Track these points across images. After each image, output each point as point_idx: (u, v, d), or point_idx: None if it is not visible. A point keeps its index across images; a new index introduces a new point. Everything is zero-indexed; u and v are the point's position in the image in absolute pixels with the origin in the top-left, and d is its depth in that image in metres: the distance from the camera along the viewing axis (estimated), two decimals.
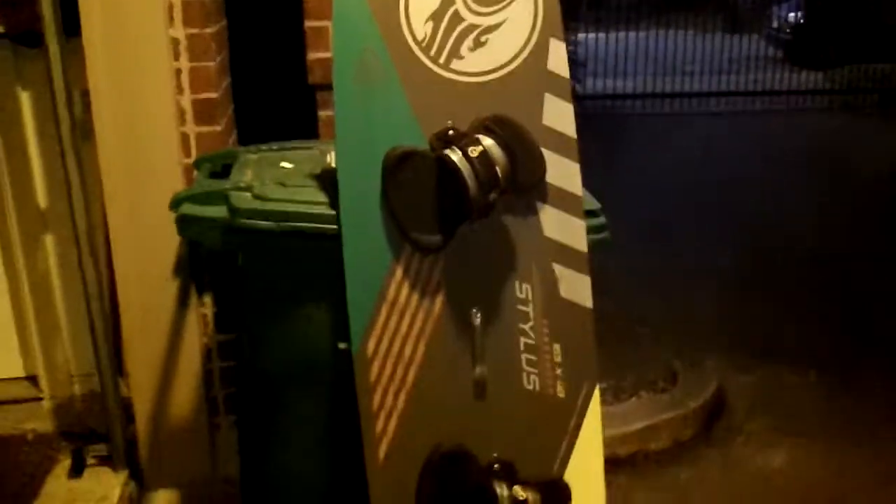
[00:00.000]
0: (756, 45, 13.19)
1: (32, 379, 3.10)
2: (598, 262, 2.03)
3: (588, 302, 2.01)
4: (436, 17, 1.87)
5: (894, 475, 3.21)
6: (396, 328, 1.90)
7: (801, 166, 7.88)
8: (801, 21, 14.72)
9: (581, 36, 11.43)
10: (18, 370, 3.13)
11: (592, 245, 2.01)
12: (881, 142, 8.90)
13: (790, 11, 14.99)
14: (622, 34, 11.94)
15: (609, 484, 3.02)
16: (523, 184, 1.88)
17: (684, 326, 4.31)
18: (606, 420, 3.28)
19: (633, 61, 11.46)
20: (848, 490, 3.14)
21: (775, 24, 15.32)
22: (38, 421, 3.03)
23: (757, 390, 3.86)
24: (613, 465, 3.24)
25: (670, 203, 6.55)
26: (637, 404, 3.55)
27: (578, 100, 10.36)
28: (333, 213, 1.90)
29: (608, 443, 3.21)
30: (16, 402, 3.09)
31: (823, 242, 5.70)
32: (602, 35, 12.03)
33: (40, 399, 3.07)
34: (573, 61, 10.66)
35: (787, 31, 14.89)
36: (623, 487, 3.13)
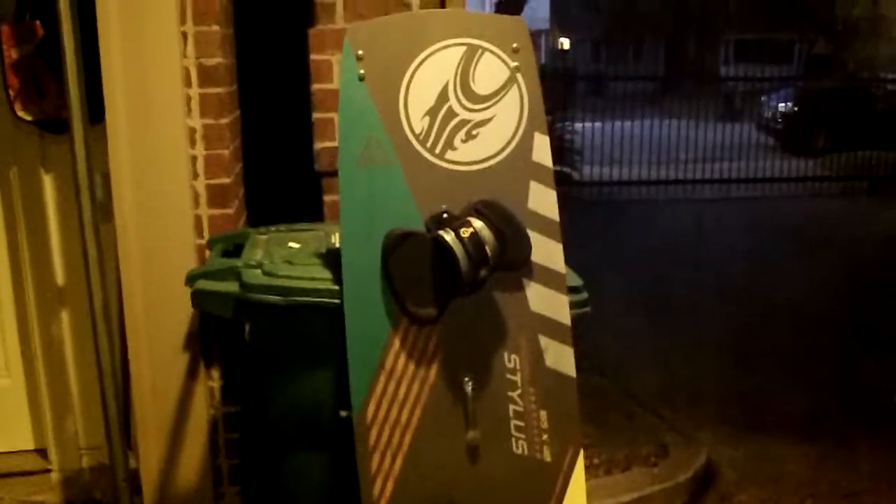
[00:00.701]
0: (749, 134, 13.54)
1: (42, 452, 3.20)
2: (595, 340, 2.17)
3: (572, 371, 2.15)
4: (432, 112, 2.07)
5: None
6: (394, 395, 2.05)
7: (794, 247, 8.08)
8: (792, 110, 15.10)
9: (578, 125, 11.73)
10: (29, 443, 3.23)
11: (576, 318, 2.16)
12: (871, 224, 9.11)
13: (780, 101, 15.39)
14: (619, 123, 12.26)
15: None
16: (511, 262, 2.05)
17: (677, 401, 4.42)
18: (597, 492, 3.42)
19: (630, 149, 11.75)
20: None
21: (767, 114, 15.70)
22: (47, 493, 3.11)
23: (746, 462, 3.95)
24: None
25: (665, 283, 6.70)
26: (628, 477, 3.64)
27: (575, 186, 10.67)
28: (337, 288, 2.05)
29: None
30: (25, 474, 3.17)
31: (811, 317, 5.84)
32: (599, 124, 12.33)
33: (49, 471, 3.15)
34: (570, 149, 10.96)
35: (779, 119, 15.27)
36: None
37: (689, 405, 4.40)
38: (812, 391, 4.64)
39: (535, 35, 25.56)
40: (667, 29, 27.56)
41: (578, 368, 2.20)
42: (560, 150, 10.71)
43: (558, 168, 10.47)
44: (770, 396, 4.60)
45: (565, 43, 29.02)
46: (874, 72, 18.64)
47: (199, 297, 2.25)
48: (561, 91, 12.05)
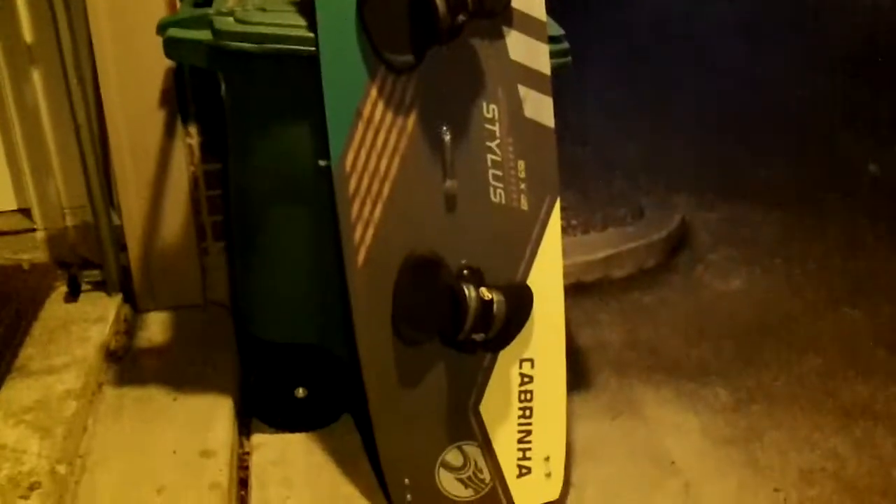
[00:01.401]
0: None
1: (26, 212, 3.20)
2: (576, 111, 2.14)
3: (550, 122, 2.15)
4: None
5: (840, 297, 3.43)
6: (372, 144, 2.05)
7: (786, 17, 7.82)
8: None
9: None
10: (11, 203, 3.24)
11: (555, 68, 2.14)
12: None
13: None
14: None
15: (575, 306, 3.29)
16: (490, 8, 1.99)
17: (656, 170, 4.46)
18: (574, 249, 3.52)
19: None
20: (798, 309, 3.36)
21: None
22: (33, 251, 3.14)
23: (721, 225, 4.04)
24: (579, 290, 3.45)
25: (649, 56, 6.54)
26: (604, 237, 3.73)
27: None
28: (312, 35, 2.01)
29: (573, 270, 3.46)
30: (10, 233, 3.19)
31: (796, 90, 5.77)
32: None
33: (34, 230, 3.17)
34: None
35: None
36: (588, 309, 3.34)
37: (668, 174, 4.43)
38: (790, 161, 4.67)
39: None
40: None
41: (560, 138, 2.20)
42: None
43: None
44: (747, 166, 4.62)
45: None
46: None
47: (171, 46, 2.20)
48: None
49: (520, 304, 2.12)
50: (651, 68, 6.22)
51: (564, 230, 3.34)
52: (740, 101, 5.60)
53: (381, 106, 2.03)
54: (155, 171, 2.87)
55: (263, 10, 2.11)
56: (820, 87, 5.80)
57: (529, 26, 2.09)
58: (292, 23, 2.06)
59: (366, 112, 2.02)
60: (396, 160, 2.07)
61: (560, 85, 2.20)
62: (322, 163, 2.08)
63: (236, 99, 2.28)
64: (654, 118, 5.25)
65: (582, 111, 4.78)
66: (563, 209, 2.32)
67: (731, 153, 4.80)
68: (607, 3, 7.98)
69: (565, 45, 2.20)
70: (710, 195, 4.29)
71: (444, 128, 2.07)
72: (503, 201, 2.15)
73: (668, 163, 4.61)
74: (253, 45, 2.03)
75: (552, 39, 2.15)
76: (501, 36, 2.07)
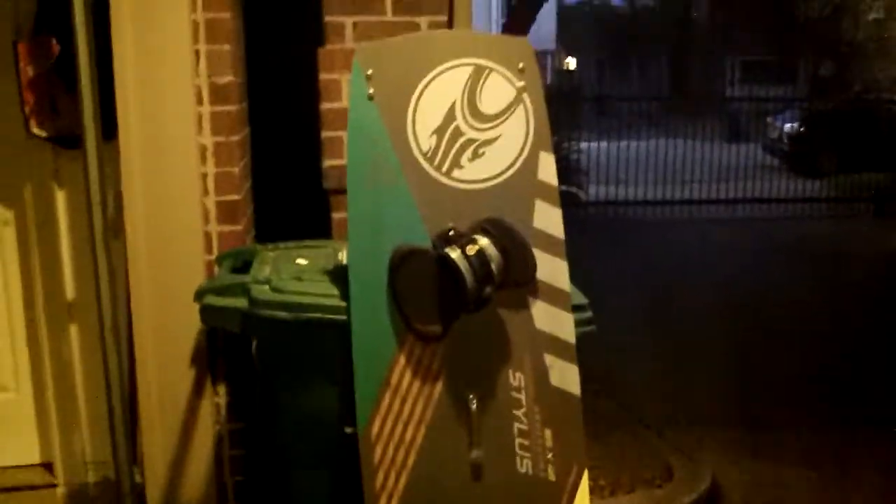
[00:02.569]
0: (755, 154, 13.57)
1: (48, 466, 3.20)
2: (600, 360, 2.18)
3: (576, 389, 2.17)
4: (439, 131, 2.10)
5: None
6: (399, 412, 2.07)
7: (799, 268, 8.08)
8: (798, 131, 15.13)
9: (584, 145, 11.77)
10: (35, 457, 3.24)
11: (580, 337, 2.18)
12: (877, 245, 9.11)
13: (787, 122, 15.42)
14: (624, 143, 12.30)
15: None
16: (516, 280, 2.07)
17: (682, 422, 4.42)
18: None
19: (636, 169, 11.78)
20: None
21: (774, 135, 15.73)
22: None
23: (750, 486, 3.94)
24: None
25: (671, 303, 6.71)
26: (632, 499, 3.64)
27: (582, 207, 10.70)
28: (344, 304, 2.08)
29: None
30: (31, 488, 3.17)
31: (816, 339, 5.84)
32: (605, 143, 12.38)
33: (55, 486, 3.16)
34: (577, 169, 10.99)
35: (785, 140, 15.31)
36: None
37: (694, 426, 4.40)
38: (815, 415, 4.63)
39: (540, 55, 25.69)
40: (671, 49, 27.68)
41: (584, 389, 2.22)
42: (566, 170, 10.76)
43: (565, 188, 10.51)
44: (773, 419, 4.59)
45: (571, 63, 29.16)
46: (880, 93, 18.68)
47: (207, 313, 2.28)
48: (567, 110, 12.12)
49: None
50: (673, 310, 6.33)
51: (591, 490, 3.26)
52: (762, 349, 5.63)
53: (408, 374, 2.06)
54: (181, 429, 2.88)
55: (299, 279, 2.19)
56: (843, 335, 5.85)
57: (554, 296, 2.15)
58: (326, 292, 2.13)
59: (393, 380, 2.05)
60: (423, 429, 2.07)
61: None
62: (348, 430, 2.09)
63: (267, 362, 2.33)
64: (679, 362, 5.27)
65: (605, 358, 4.81)
66: (589, 468, 2.28)
67: (757, 404, 4.77)
68: (634, 248, 8.31)
69: (589, 313, 2.25)
70: (737, 450, 4.22)
71: (471, 396, 2.09)
72: (530, 471, 2.13)
73: (694, 414, 4.58)
74: (287, 314, 2.10)
75: (576, 308, 2.20)
76: (527, 306, 2.13)
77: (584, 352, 2.24)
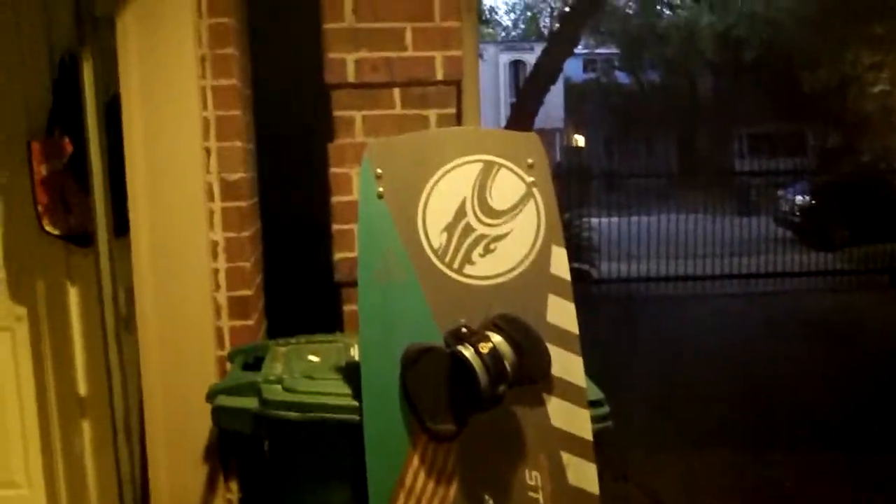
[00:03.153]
0: (767, 228, 13.57)
1: None
2: (616, 441, 2.14)
3: (595, 488, 2.13)
4: (450, 228, 2.10)
5: None
6: None
7: (815, 343, 8.01)
8: (809, 203, 15.14)
9: (594, 221, 11.80)
10: None
11: (597, 433, 2.15)
12: (892, 315, 9.03)
13: (798, 194, 15.44)
14: (635, 218, 12.33)
15: None
16: (530, 377, 2.05)
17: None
18: None
19: (647, 244, 11.78)
20: None
21: (785, 207, 15.74)
22: None
23: None
24: None
25: (685, 381, 6.64)
26: None
27: (593, 284, 10.68)
28: (356, 404, 2.06)
29: None
30: None
31: (835, 419, 5.75)
32: (615, 219, 12.41)
33: None
34: (588, 247, 11.01)
35: (796, 213, 15.30)
36: None
37: None
38: (838, 492, 4.54)
39: (549, 133, 26.02)
40: (679, 124, 27.93)
41: (601, 475, 2.18)
42: (577, 248, 10.77)
43: (576, 265, 10.51)
44: (796, 499, 4.50)
45: (580, 140, 29.45)
46: (889, 163, 18.72)
47: (219, 414, 2.26)
48: (576, 188, 12.18)
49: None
50: (687, 389, 6.28)
51: None
52: (779, 428, 5.56)
53: (422, 475, 2.03)
54: None
55: (311, 377, 2.18)
56: (861, 415, 5.77)
57: (569, 392, 2.12)
58: (338, 391, 2.12)
59: (408, 481, 2.02)
60: None
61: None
62: None
63: (280, 463, 2.29)
64: (696, 446, 5.20)
65: (620, 439, 4.74)
66: None
67: (776, 486, 4.67)
68: (646, 325, 8.27)
69: (606, 409, 2.21)
70: None
71: (487, 496, 2.05)
72: None
73: (715, 497, 4.49)
74: (298, 415, 2.08)
75: (592, 404, 2.17)
76: (542, 403, 2.11)
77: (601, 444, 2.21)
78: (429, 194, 2.11)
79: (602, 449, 2.18)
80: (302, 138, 3.13)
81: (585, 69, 31.88)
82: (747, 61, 25.64)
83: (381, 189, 2.09)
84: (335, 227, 2.86)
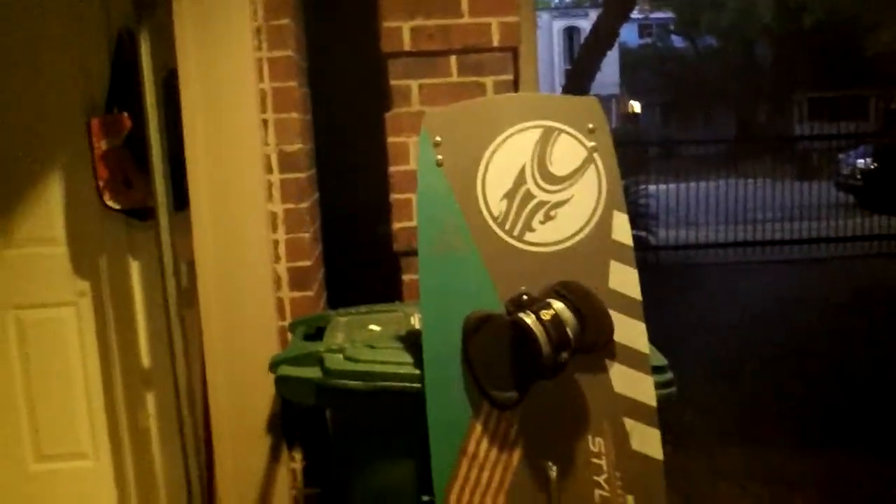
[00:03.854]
0: (827, 192, 13.28)
1: None
2: (675, 412, 2.10)
3: (659, 454, 2.10)
4: (510, 195, 2.08)
5: None
6: (476, 481, 2.02)
7: (879, 311, 7.83)
8: (872, 167, 14.80)
9: (652, 188, 11.66)
10: None
11: (661, 399, 2.12)
12: None
13: (859, 158, 15.10)
14: (693, 184, 12.15)
15: None
16: (593, 343, 2.02)
17: (762, 477, 4.28)
18: None
19: (705, 211, 11.62)
20: None
21: (846, 171, 15.41)
22: None
23: None
24: None
25: (746, 352, 6.55)
26: None
27: (651, 251, 10.57)
28: (418, 372, 2.05)
29: None
30: None
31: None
32: (673, 186, 12.24)
33: None
34: (645, 214, 10.89)
35: (858, 177, 14.97)
36: None
37: (774, 483, 4.24)
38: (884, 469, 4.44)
39: (605, 100, 25.74)
40: (737, 90, 27.41)
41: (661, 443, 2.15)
42: (635, 215, 10.65)
43: (634, 232, 10.38)
44: (856, 474, 4.41)
45: (636, 107, 29.09)
46: None
47: (281, 384, 2.27)
48: (633, 155, 12.03)
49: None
50: (748, 358, 6.18)
51: None
52: (841, 401, 5.45)
53: (485, 443, 2.02)
54: (257, 495, 2.88)
55: (372, 346, 2.18)
56: None
57: (632, 358, 2.09)
58: (399, 360, 2.11)
59: (470, 449, 2.02)
60: (501, 497, 2.02)
61: None
62: (426, 499, 2.05)
63: (341, 431, 2.31)
64: (756, 415, 5.13)
65: (679, 409, 4.69)
66: None
67: (834, 458, 4.58)
68: (706, 292, 8.14)
69: (669, 375, 2.18)
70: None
71: (550, 463, 2.04)
72: None
73: (774, 468, 4.42)
74: (361, 384, 2.08)
75: (655, 370, 2.14)
76: (605, 369, 2.08)
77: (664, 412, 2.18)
78: (488, 161, 2.09)
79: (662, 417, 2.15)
80: (360, 108, 3.12)
81: (641, 35, 31.43)
82: (807, 25, 25.01)
83: (439, 157, 2.07)
84: (393, 196, 2.85)
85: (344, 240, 3.20)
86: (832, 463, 4.54)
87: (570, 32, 29.78)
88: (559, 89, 16.64)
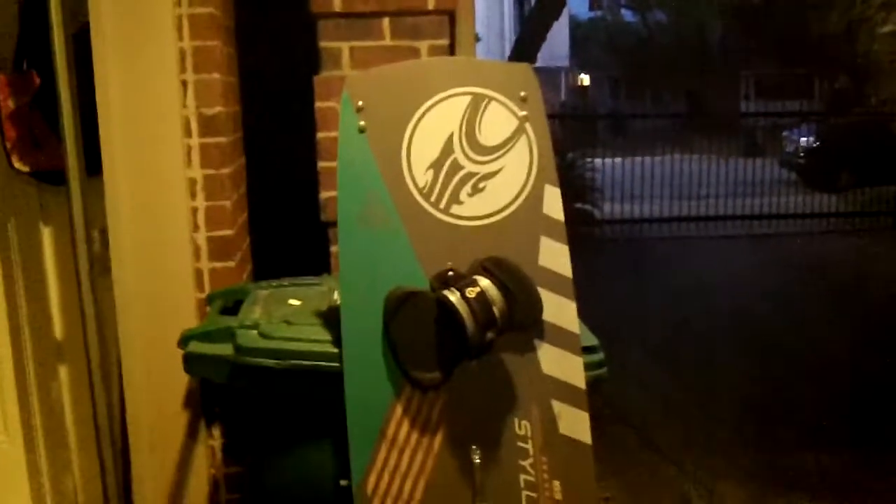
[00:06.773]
0: (771, 169, 13.42)
1: None
2: (616, 386, 2.05)
3: (587, 438, 2.02)
4: (436, 165, 1.97)
5: None
6: (396, 466, 1.93)
7: (818, 287, 7.93)
8: (815, 146, 14.98)
9: (599, 161, 11.65)
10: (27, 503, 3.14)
11: (591, 381, 2.04)
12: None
13: (803, 137, 15.27)
14: (639, 159, 12.17)
15: None
16: (520, 323, 1.92)
17: (699, 453, 4.28)
18: None
19: (650, 186, 11.65)
20: None
21: (790, 149, 15.59)
22: None
23: None
24: None
25: (687, 327, 6.57)
26: None
27: (596, 224, 10.58)
28: (336, 351, 1.94)
29: None
30: None
31: (837, 364, 5.69)
32: (619, 160, 12.26)
33: None
34: (591, 187, 10.88)
35: (802, 155, 15.14)
36: None
37: (714, 457, 4.25)
38: (836, 448, 4.47)
39: (554, 72, 25.69)
40: (685, 67, 27.53)
41: (599, 416, 2.07)
42: (581, 188, 10.64)
43: (579, 206, 10.38)
44: (796, 449, 4.43)
45: (585, 80, 29.11)
46: None
47: (191, 361, 2.15)
48: (581, 128, 12.00)
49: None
50: (689, 333, 6.21)
51: None
52: (780, 375, 5.49)
53: (406, 425, 1.93)
54: (175, 473, 2.77)
55: (288, 322, 2.06)
56: (864, 361, 5.69)
57: (562, 338, 2.01)
58: (317, 337, 2.00)
59: (390, 432, 1.92)
60: (422, 483, 1.93)
61: None
62: (343, 483, 1.96)
63: (257, 412, 2.20)
64: (697, 390, 5.14)
65: (620, 384, 4.67)
66: (606, 501, 2.14)
67: (775, 434, 4.61)
68: (649, 267, 8.18)
69: (600, 355, 2.10)
70: (760, 484, 4.06)
71: (474, 447, 1.95)
72: None
73: (715, 443, 4.43)
74: (275, 362, 1.97)
75: (586, 350, 2.06)
76: (533, 349, 1.99)
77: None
78: (413, 129, 1.97)
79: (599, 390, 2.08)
80: (289, 71, 2.98)
81: (591, 7, 31.39)
82: (756, 3, 25.19)
83: (362, 123, 1.96)
84: (321, 164, 2.73)
85: (275, 208, 3.07)
86: (765, 435, 4.58)
87: (521, 0, 29.62)
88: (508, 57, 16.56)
